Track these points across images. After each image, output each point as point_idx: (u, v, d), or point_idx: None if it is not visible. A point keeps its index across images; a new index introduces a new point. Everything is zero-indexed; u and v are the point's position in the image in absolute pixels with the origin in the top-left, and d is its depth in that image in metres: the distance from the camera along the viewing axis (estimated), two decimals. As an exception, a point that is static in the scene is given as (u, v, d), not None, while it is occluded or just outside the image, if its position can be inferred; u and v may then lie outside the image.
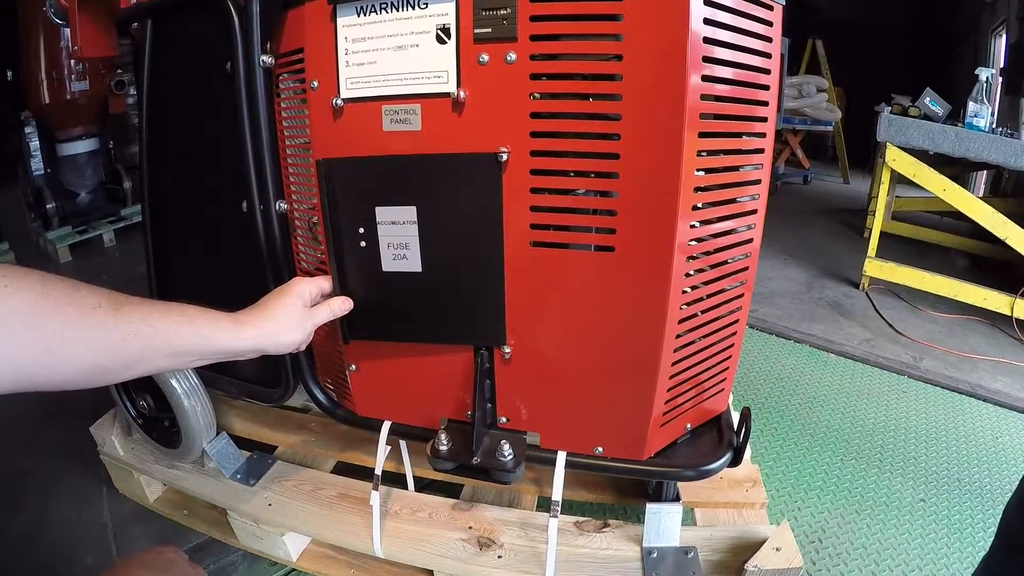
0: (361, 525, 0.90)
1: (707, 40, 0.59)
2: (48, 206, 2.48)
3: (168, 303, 0.54)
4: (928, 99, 1.97)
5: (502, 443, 0.75)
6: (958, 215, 3.26)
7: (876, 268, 2.25)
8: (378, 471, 0.87)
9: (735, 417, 0.84)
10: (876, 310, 2.22)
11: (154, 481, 1.11)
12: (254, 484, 1.00)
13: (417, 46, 0.62)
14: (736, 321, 0.80)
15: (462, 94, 0.61)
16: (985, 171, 3.38)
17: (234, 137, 0.76)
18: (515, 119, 0.60)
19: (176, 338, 0.53)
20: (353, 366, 0.82)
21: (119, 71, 2.47)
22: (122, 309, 0.49)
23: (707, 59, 0.60)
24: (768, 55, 0.69)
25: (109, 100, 2.49)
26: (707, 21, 0.58)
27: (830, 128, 4.20)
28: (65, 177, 2.55)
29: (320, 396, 0.90)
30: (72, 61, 2.32)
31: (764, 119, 0.71)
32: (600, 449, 0.77)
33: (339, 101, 0.66)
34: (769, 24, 0.68)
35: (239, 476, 1.02)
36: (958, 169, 2.62)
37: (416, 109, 0.63)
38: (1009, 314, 1.95)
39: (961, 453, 1.41)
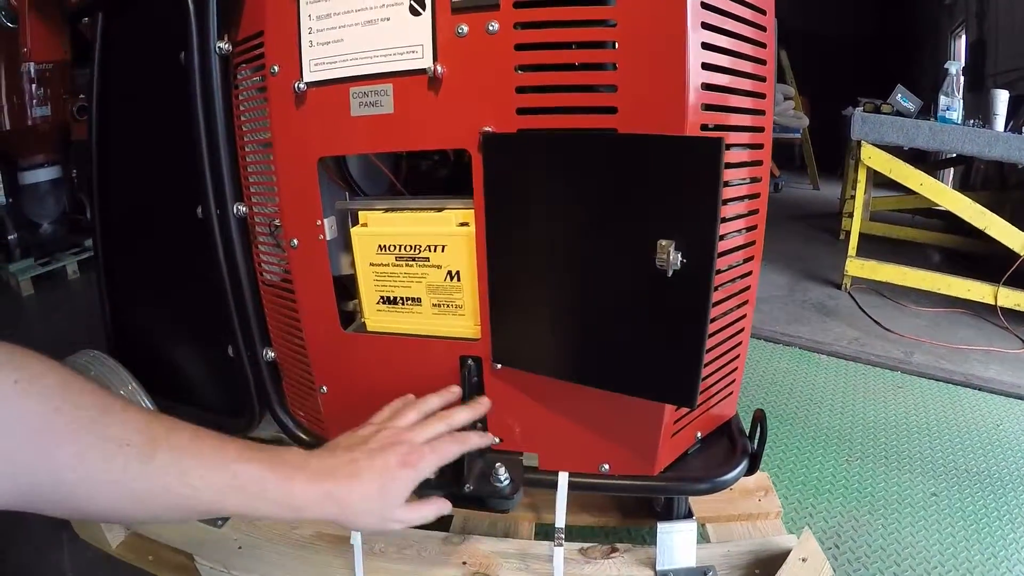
0: (342, 567, 0.81)
1: (705, 25, 0.54)
2: (9, 237, 2.36)
3: (219, 442, 0.43)
4: (900, 95, 1.99)
5: (497, 467, 0.67)
6: (929, 212, 3.35)
7: (858, 267, 2.25)
8: (359, 503, 0.78)
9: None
10: (861, 309, 2.21)
11: (115, 525, 1.00)
12: (222, 525, 0.89)
13: (388, 19, 0.56)
14: (743, 317, 0.74)
15: (439, 69, 0.54)
16: (953, 169, 3.46)
17: (188, 135, 0.68)
18: (499, 95, 0.54)
19: (218, 504, 0.43)
20: (323, 387, 0.74)
21: (81, 96, 2.37)
22: (157, 456, 0.39)
23: (706, 45, 0.55)
24: (763, 44, 0.65)
25: (71, 126, 2.39)
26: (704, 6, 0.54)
27: (798, 135, 4.28)
28: (27, 207, 2.43)
29: (289, 423, 0.81)
30: (33, 86, 2.22)
31: (762, 112, 0.67)
32: (606, 466, 0.69)
33: (302, 85, 0.59)
34: (763, 13, 0.64)
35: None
36: (927, 167, 2.67)
37: (388, 89, 0.57)
38: (993, 303, 1.96)
39: (965, 443, 1.39)
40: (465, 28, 0.54)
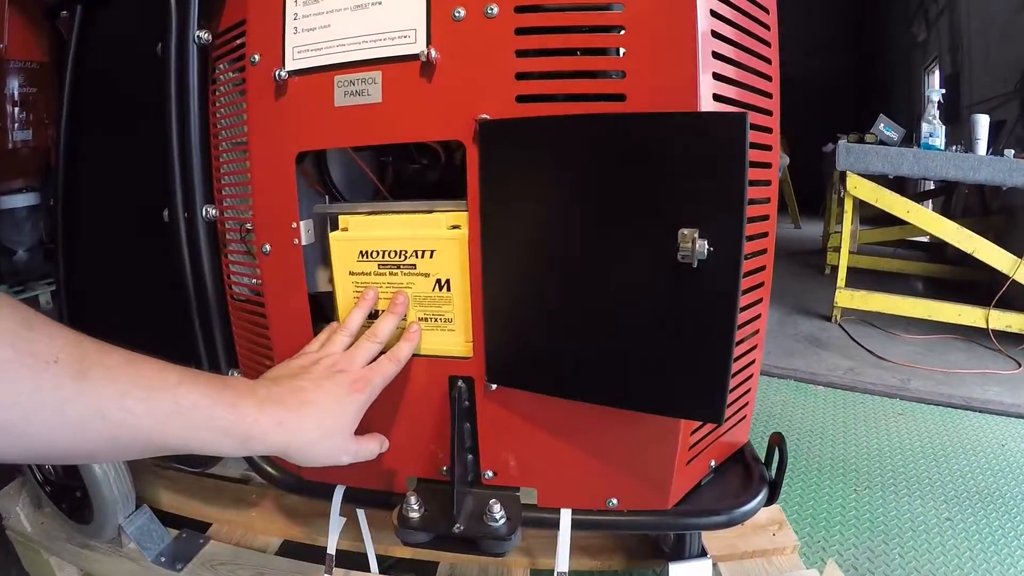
0: (315, 619, 0.72)
1: (714, 14, 0.51)
2: (-17, 263, 2.27)
3: (158, 367, 0.39)
4: (882, 125, 2.02)
5: (491, 503, 0.59)
6: (910, 244, 3.39)
7: (847, 298, 2.24)
8: (331, 550, 0.69)
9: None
10: (853, 339, 2.21)
11: (67, 564, 0.90)
12: (181, 569, 0.82)
13: (379, 3, 0.51)
14: (756, 332, 0.69)
15: (433, 54, 0.50)
16: (931, 200, 3.54)
17: (160, 132, 0.63)
18: (498, 82, 0.50)
19: (159, 436, 0.38)
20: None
21: (64, 122, 2.31)
22: (89, 374, 0.34)
23: (715, 34, 0.52)
24: (768, 43, 0.63)
25: (52, 153, 2.32)
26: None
27: (779, 175, 4.34)
28: (2, 232, 2.33)
29: (258, 459, 0.72)
30: (16, 109, 2.17)
31: (770, 112, 0.65)
32: (614, 501, 0.62)
33: (283, 73, 0.54)
34: (767, 11, 0.62)
35: (164, 559, 0.84)
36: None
37: (376, 77, 0.52)
38: (984, 326, 1.98)
39: (972, 465, 1.38)
40: (462, 12, 0.50)
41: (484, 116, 0.50)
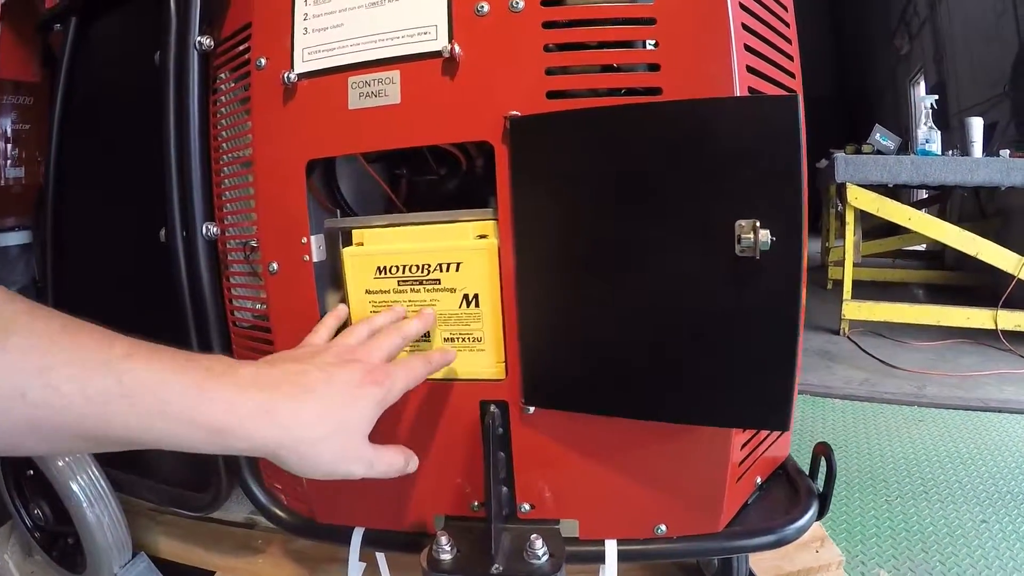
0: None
1: (742, 7, 0.50)
2: (-28, 303, 2.20)
3: (103, 336, 0.31)
4: (879, 135, 2.03)
5: (532, 539, 0.53)
6: (906, 254, 3.40)
7: (855, 310, 2.23)
8: (349, 599, 0.63)
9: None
10: (863, 350, 2.19)
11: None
12: None
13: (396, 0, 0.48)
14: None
15: (456, 50, 0.47)
16: (926, 208, 3.57)
17: (157, 147, 0.59)
18: (527, 78, 0.47)
19: (96, 423, 0.29)
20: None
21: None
22: (10, 342, 0.27)
23: (745, 27, 0.50)
24: (789, 40, 0.62)
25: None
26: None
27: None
28: None
29: (264, 500, 0.66)
30: (8, 146, 2.14)
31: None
32: (663, 527, 0.57)
33: (292, 76, 0.51)
34: (785, 9, 0.61)
35: (163, 614, 0.79)
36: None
37: (394, 76, 0.49)
38: (993, 327, 1.98)
39: (1000, 466, 1.37)
40: (486, 7, 0.47)
41: (515, 113, 0.46)
